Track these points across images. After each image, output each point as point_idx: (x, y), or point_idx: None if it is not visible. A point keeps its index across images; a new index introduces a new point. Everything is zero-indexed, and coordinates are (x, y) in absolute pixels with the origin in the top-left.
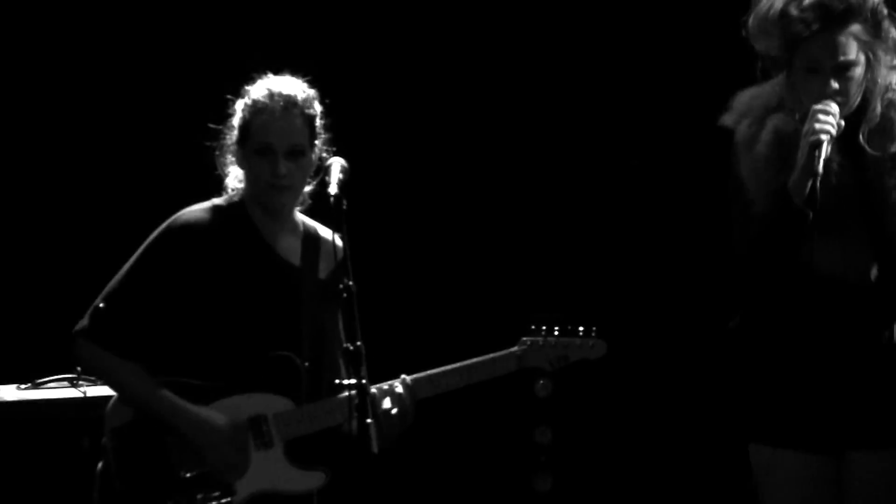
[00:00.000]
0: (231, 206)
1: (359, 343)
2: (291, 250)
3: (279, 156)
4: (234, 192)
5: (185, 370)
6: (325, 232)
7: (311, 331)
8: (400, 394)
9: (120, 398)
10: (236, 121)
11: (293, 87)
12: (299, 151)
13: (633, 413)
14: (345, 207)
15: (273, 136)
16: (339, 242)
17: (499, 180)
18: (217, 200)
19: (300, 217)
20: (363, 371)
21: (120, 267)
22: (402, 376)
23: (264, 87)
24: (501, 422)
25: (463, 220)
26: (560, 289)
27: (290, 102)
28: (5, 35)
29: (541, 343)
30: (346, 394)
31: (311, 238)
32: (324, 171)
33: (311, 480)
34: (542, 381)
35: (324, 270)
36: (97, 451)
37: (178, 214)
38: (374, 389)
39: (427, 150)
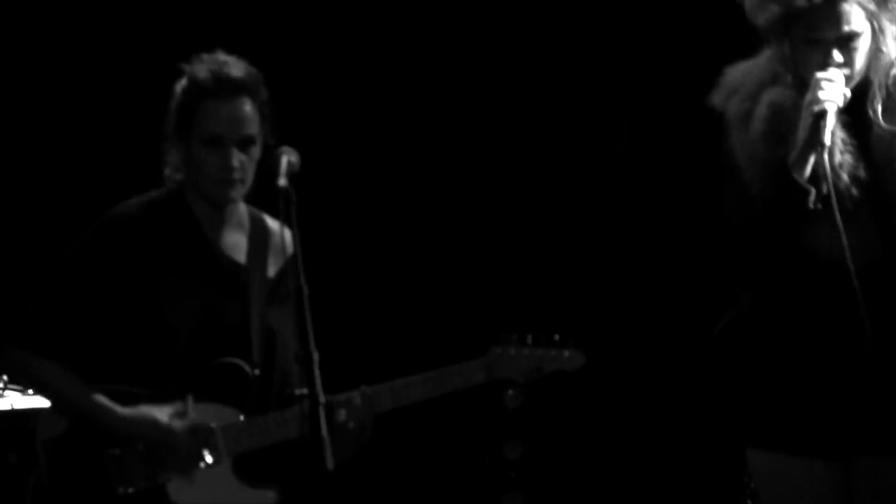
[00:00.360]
0: (170, 199)
1: (312, 350)
2: (237, 246)
3: (230, 147)
4: (173, 184)
5: (122, 377)
6: (274, 224)
7: (261, 335)
8: (358, 405)
9: (53, 407)
10: (174, 104)
11: (239, 68)
12: (250, 141)
13: (609, 425)
14: (294, 200)
15: (223, 125)
16: (288, 237)
17: (472, 178)
18: (154, 193)
19: (245, 208)
20: (317, 380)
21: (41, 266)
22: (362, 387)
23: (206, 68)
24: (467, 436)
25: (430, 218)
26: (535, 294)
27: (239, 86)
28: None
29: (513, 353)
30: (299, 405)
31: (259, 232)
32: (272, 161)
33: (261, 499)
34: (511, 392)
35: (273, 267)
36: (25, 465)
37: (112, 209)
38: (328, 400)
39: (393, 140)
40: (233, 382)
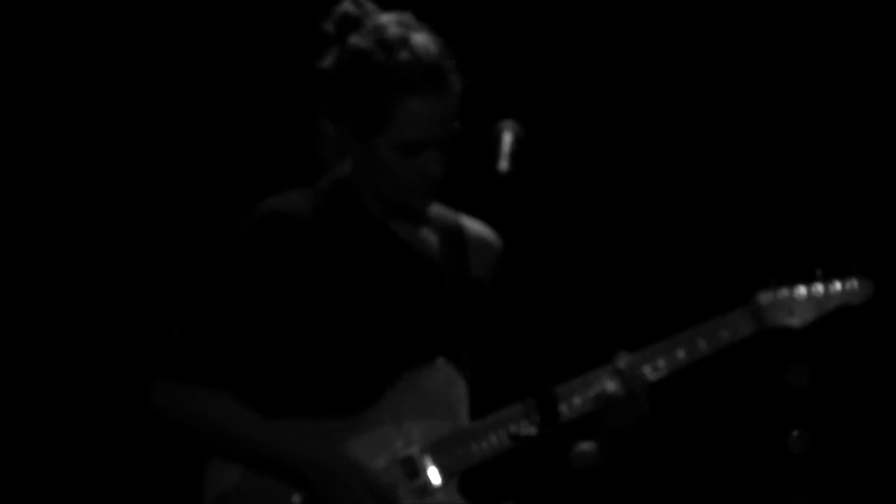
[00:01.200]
0: (337, 192)
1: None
2: (427, 242)
3: (432, 150)
4: (332, 175)
5: (299, 404)
6: (470, 221)
7: (466, 336)
8: (622, 370)
9: (220, 451)
10: (347, 99)
11: (430, 40)
12: (451, 137)
13: None
14: (519, 190)
15: (426, 129)
16: (492, 234)
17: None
18: (315, 185)
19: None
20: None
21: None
22: (620, 353)
23: (405, 48)
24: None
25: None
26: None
27: (443, 74)
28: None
29: (785, 294)
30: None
31: (449, 226)
32: (491, 139)
33: None
34: (794, 368)
35: (477, 269)
36: None
37: (267, 203)
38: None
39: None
40: (442, 390)
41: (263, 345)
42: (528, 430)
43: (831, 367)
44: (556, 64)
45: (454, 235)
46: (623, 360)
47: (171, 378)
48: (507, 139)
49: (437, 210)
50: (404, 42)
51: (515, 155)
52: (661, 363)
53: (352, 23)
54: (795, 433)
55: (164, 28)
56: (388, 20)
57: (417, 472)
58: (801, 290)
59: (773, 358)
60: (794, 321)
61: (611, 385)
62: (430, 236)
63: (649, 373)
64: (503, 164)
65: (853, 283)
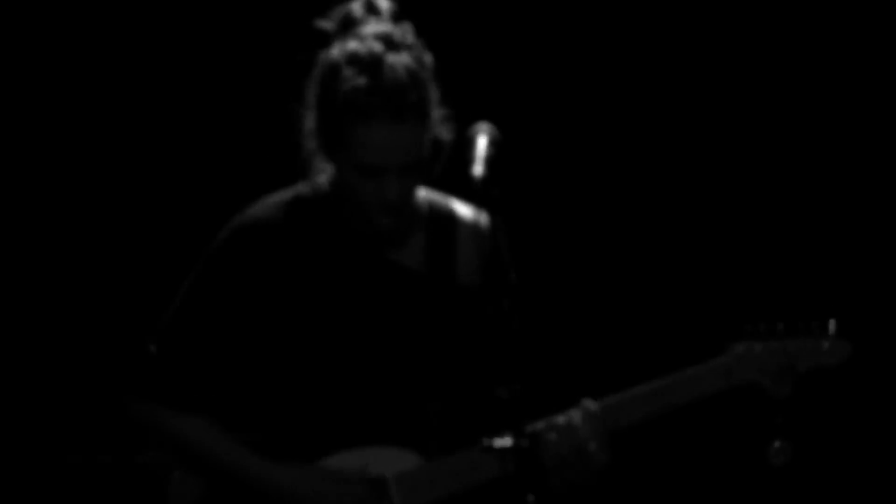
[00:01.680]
0: (319, 197)
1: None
2: (409, 249)
3: (390, 175)
4: (318, 177)
5: (268, 423)
6: (468, 214)
7: (443, 358)
8: (580, 425)
9: (187, 468)
10: (315, 110)
11: (403, 65)
12: (415, 164)
13: None
14: (497, 194)
15: (382, 155)
16: (484, 221)
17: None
18: (299, 188)
19: (425, 196)
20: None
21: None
22: (583, 401)
23: (371, 70)
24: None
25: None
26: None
27: (404, 103)
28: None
29: (758, 349)
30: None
31: (442, 226)
32: (465, 143)
33: None
34: (777, 445)
35: (466, 275)
36: None
37: (244, 212)
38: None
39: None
40: (408, 419)
41: (235, 366)
42: (503, 442)
43: (812, 377)
44: (531, 67)
45: (445, 234)
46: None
47: (142, 398)
48: (482, 143)
49: (429, 202)
50: (375, 63)
51: (490, 159)
52: (625, 418)
53: (347, 26)
54: (776, 444)
55: (145, 23)
56: (373, 33)
57: (382, 499)
58: (777, 344)
59: None
60: (764, 381)
61: (558, 437)
62: (416, 241)
63: (614, 423)
64: (477, 169)
65: (830, 343)
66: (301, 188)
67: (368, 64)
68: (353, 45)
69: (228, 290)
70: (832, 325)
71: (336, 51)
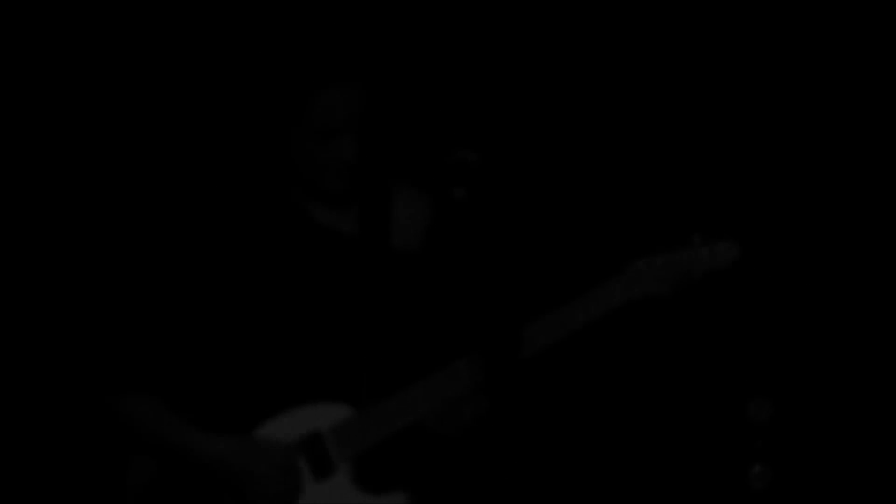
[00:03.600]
0: (261, 174)
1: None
2: (344, 215)
3: (347, 135)
4: (260, 155)
5: (206, 396)
6: (403, 185)
7: (375, 317)
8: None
9: (141, 447)
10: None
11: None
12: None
13: None
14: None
15: (342, 114)
16: (421, 197)
17: None
18: (243, 165)
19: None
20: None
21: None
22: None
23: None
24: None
25: None
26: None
27: (357, 62)
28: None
29: (657, 262)
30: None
31: (377, 194)
32: (444, 167)
33: None
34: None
35: (401, 239)
36: None
37: (187, 194)
38: None
39: None
40: (341, 377)
41: (171, 340)
42: None
43: (793, 401)
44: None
45: (378, 202)
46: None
47: (97, 388)
48: (463, 166)
49: (364, 182)
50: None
51: (471, 181)
52: (541, 341)
53: None
54: (757, 469)
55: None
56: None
57: (318, 454)
58: (670, 257)
59: (735, 393)
60: (664, 289)
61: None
62: (351, 208)
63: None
64: (458, 192)
65: (717, 247)
66: (245, 166)
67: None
68: None
69: (167, 272)
70: (718, 231)
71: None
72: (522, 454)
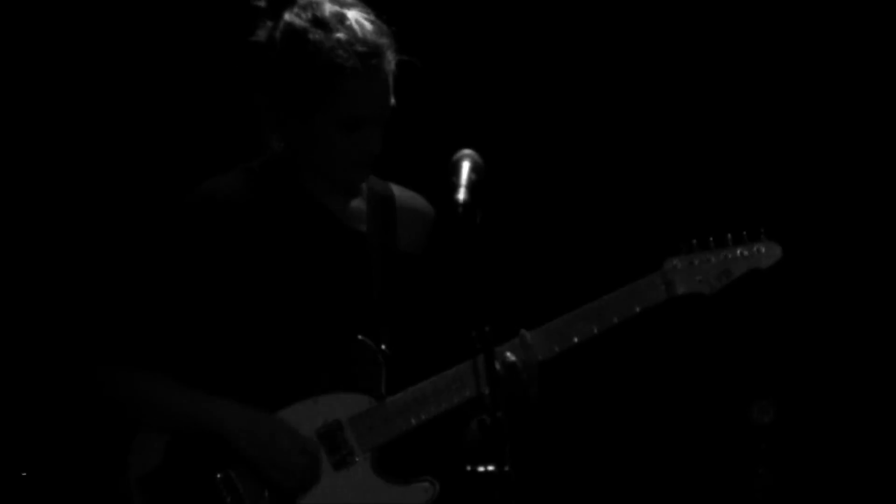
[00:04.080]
0: (270, 168)
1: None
2: (357, 216)
3: (372, 125)
4: (266, 153)
5: (227, 381)
6: (401, 192)
7: (388, 308)
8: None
9: (155, 425)
10: (277, 83)
11: (364, 18)
12: (390, 114)
13: None
14: (479, 219)
15: (367, 104)
16: (424, 204)
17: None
18: (250, 164)
19: None
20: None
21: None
22: (521, 332)
23: (342, 26)
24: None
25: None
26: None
27: (380, 52)
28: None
29: (694, 261)
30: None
31: (383, 200)
32: (450, 168)
33: (414, 497)
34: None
35: (406, 243)
36: None
37: (199, 187)
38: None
39: None
40: (358, 364)
41: (195, 324)
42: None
43: (796, 404)
44: (514, 93)
45: (385, 206)
46: (524, 338)
47: (111, 362)
48: (465, 169)
49: (370, 181)
50: (340, 20)
51: (473, 185)
52: (574, 335)
53: (283, 1)
54: (760, 471)
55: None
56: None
57: (338, 444)
58: (709, 256)
59: (738, 396)
60: (704, 287)
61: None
62: (361, 209)
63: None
64: (461, 195)
65: (759, 248)
66: (248, 165)
67: (336, 21)
68: (307, 9)
69: (187, 254)
70: (761, 231)
71: (291, 17)
72: (528, 455)
